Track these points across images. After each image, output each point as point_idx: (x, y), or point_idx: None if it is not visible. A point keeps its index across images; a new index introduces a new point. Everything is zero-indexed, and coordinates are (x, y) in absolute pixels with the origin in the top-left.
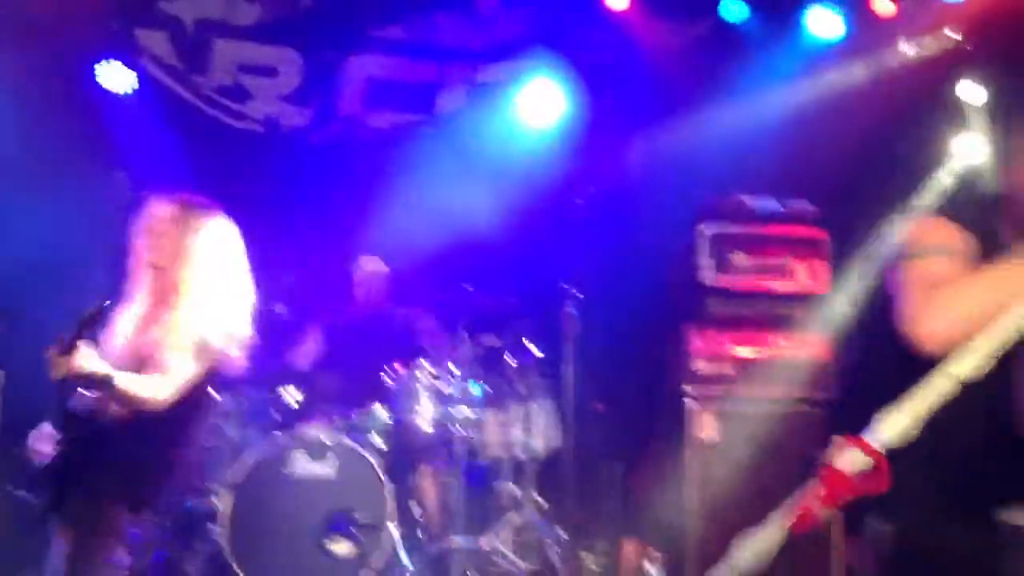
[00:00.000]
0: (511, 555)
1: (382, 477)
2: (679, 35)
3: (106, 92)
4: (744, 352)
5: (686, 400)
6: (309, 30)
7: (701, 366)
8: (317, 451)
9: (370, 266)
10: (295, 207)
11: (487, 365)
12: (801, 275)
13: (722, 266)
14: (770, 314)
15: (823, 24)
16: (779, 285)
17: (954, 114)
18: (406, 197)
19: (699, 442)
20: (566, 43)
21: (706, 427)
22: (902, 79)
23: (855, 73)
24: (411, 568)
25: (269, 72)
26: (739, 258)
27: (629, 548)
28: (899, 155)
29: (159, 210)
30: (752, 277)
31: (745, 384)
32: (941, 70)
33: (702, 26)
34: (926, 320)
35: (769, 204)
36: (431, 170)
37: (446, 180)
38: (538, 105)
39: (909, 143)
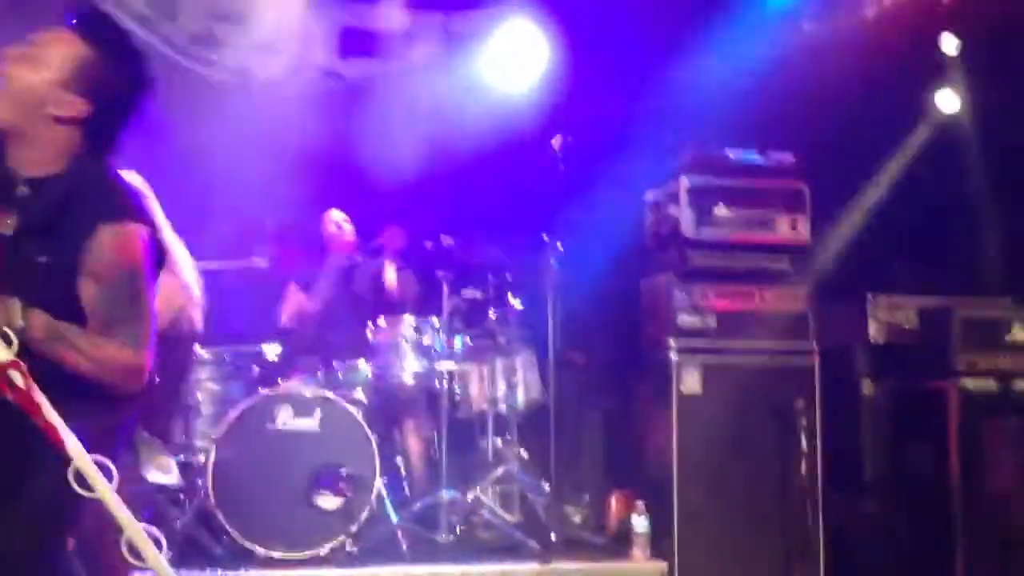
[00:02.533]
0: (496, 507)
1: (367, 431)
2: None
3: None
4: (726, 304)
5: (669, 353)
6: None
7: (684, 319)
8: (302, 406)
9: (335, 218)
10: (271, 159)
11: (469, 318)
12: (783, 227)
13: (703, 219)
14: (752, 266)
15: None
16: (761, 237)
17: (934, 66)
18: (381, 148)
19: (682, 395)
20: None
21: (689, 380)
22: (883, 30)
23: (837, 24)
24: (397, 521)
25: (239, 19)
26: (720, 210)
27: (615, 500)
28: (880, 106)
29: None
30: (734, 230)
31: (728, 336)
32: (922, 20)
33: None
34: None
35: (750, 156)
36: (406, 120)
37: (422, 130)
38: (514, 54)
39: (890, 94)
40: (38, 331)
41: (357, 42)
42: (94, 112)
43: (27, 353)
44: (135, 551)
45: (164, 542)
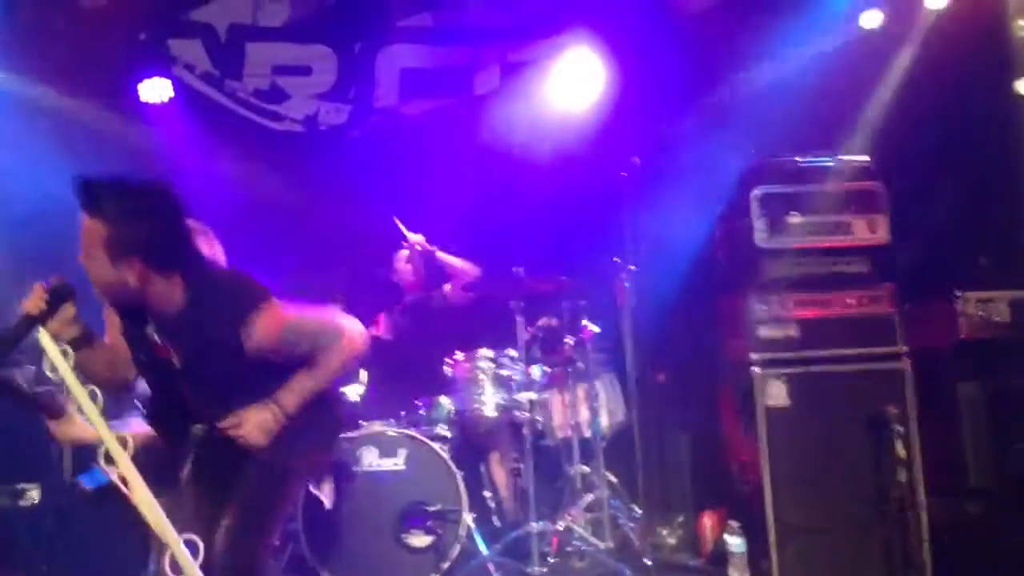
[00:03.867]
0: (587, 535)
1: (452, 467)
2: None
3: (145, 105)
4: (808, 313)
5: (752, 367)
6: (338, 25)
7: (764, 332)
8: (386, 446)
9: (404, 258)
10: (340, 203)
11: (546, 346)
12: (859, 229)
13: (776, 227)
14: (831, 271)
15: None
16: (837, 242)
17: (1012, 55)
18: (446, 183)
19: (768, 408)
20: (597, 15)
21: (775, 393)
22: (956, 21)
23: (905, 16)
24: (488, 555)
25: (303, 71)
26: (794, 218)
27: (707, 520)
28: (955, 99)
29: None
30: (808, 236)
31: (812, 346)
32: (994, 7)
33: None
34: None
35: (820, 160)
36: (470, 154)
37: (486, 163)
38: (573, 79)
39: (965, 85)
40: (293, 407)
41: (418, 81)
42: (148, 256)
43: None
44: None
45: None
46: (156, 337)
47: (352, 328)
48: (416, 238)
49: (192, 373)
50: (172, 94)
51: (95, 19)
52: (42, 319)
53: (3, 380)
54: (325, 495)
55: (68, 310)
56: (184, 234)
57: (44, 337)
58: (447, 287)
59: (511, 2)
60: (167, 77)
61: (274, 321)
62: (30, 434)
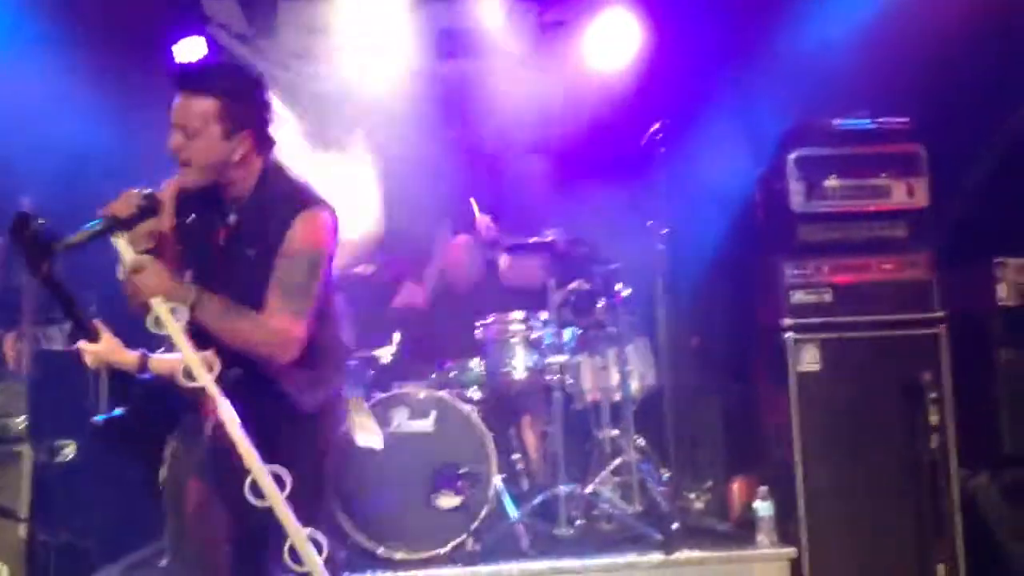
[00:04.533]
0: (616, 499)
1: (483, 429)
2: None
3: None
4: (843, 278)
5: (786, 333)
6: None
7: (798, 296)
8: (417, 407)
9: (463, 244)
10: (373, 164)
11: (577, 310)
12: (898, 193)
13: (814, 191)
14: (868, 236)
15: None
16: (875, 205)
17: None
18: (481, 145)
19: (800, 373)
20: None
21: (808, 359)
22: None
23: None
24: (516, 517)
25: (336, 31)
26: (831, 181)
27: (737, 485)
28: (998, 57)
29: None
30: (846, 200)
31: (846, 311)
32: None
33: None
34: None
35: (860, 123)
36: (505, 115)
37: (521, 124)
38: (609, 41)
39: (1008, 44)
40: (210, 313)
41: (454, 42)
42: (254, 133)
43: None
44: (295, 554)
45: (325, 544)
46: (234, 222)
47: (292, 337)
48: (484, 220)
49: (242, 271)
50: (205, 52)
51: None
52: (127, 224)
53: (63, 288)
54: (372, 439)
55: (150, 224)
56: (273, 118)
57: (122, 242)
58: (503, 261)
59: None
60: (201, 35)
61: (317, 236)
62: (67, 391)
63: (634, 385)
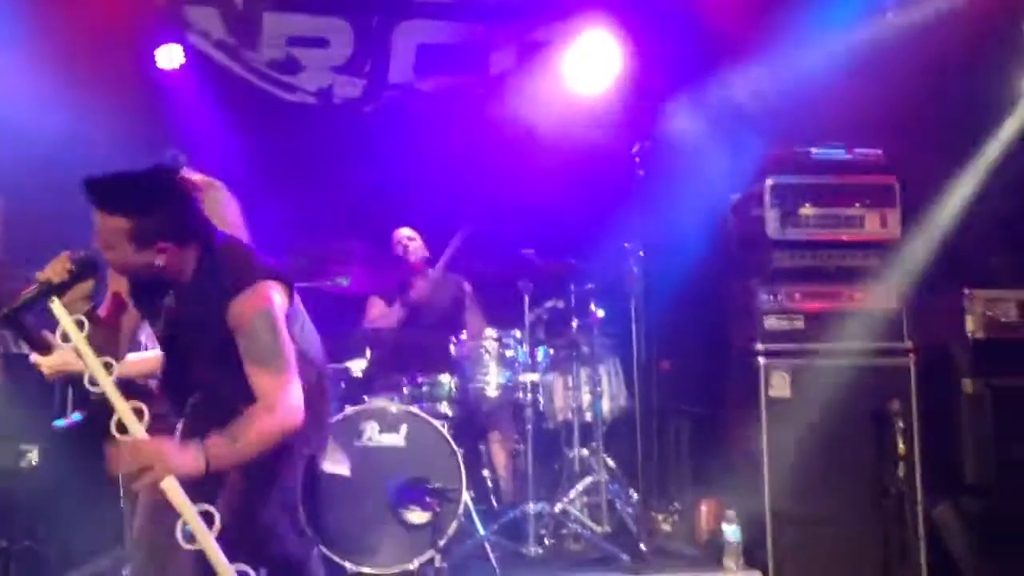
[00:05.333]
0: (585, 518)
1: (453, 445)
2: None
3: (158, 70)
4: (815, 305)
5: (757, 357)
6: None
7: (771, 322)
8: (387, 421)
9: (402, 236)
10: (350, 178)
11: (551, 329)
12: (871, 223)
13: (788, 219)
14: (841, 265)
15: None
16: (849, 235)
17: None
18: (459, 161)
19: (771, 399)
20: None
21: (778, 384)
22: (967, 17)
23: (917, 12)
24: (485, 535)
25: (320, 43)
26: (806, 210)
27: (704, 508)
28: (967, 95)
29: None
30: (820, 228)
31: (817, 338)
32: (1008, 5)
33: None
34: None
35: (836, 153)
36: (483, 132)
37: (499, 142)
38: (590, 61)
39: (980, 81)
40: (224, 455)
41: (434, 58)
42: (174, 238)
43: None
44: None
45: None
46: (173, 305)
47: (291, 404)
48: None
49: (179, 351)
50: (183, 60)
51: None
52: (60, 290)
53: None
54: (339, 467)
55: (87, 285)
56: (197, 208)
57: (58, 307)
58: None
59: None
60: (181, 43)
61: (256, 301)
62: (32, 395)
63: (605, 405)
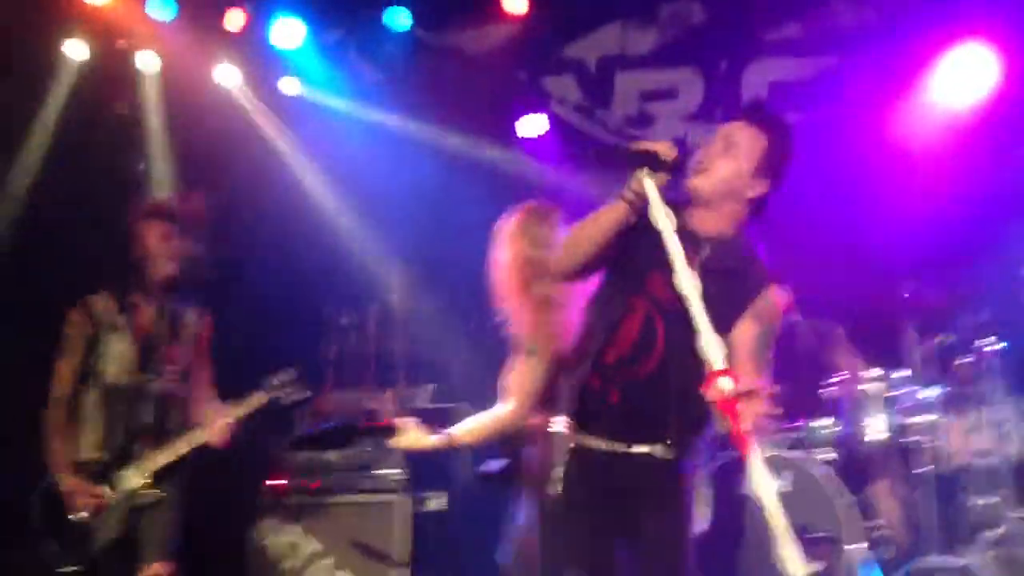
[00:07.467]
0: (997, 574)
1: (837, 491)
2: None
3: (521, 139)
4: None
5: None
6: (705, 46)
7: None
8: (771, 467)
9: None
10: None
11: (941, 366)
12: None
13: None
14: None
15: None
16: None
17: None
18: (825, 193)
19: None
20: (984, 8)
21: None
22: None
23: None
24: None
25: (670, 95)
26: None
27: None
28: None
29: None
30: None
31: None
32: None
33: None
34: None
35: None
36: (847, 162)
37: (866, 170)
38: (960, 76)
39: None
40: None
41: (788, 94)
42: (769, 189)
43: None
44: None
45: None
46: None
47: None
48: None
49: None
50: (547, 128)
51: (479, 63)
52: (669, 167)
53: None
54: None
55: (662, 179)
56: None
57: (649, 182)
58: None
59: (883, 2)
60: (543, 112)
61: (781, 309)
62: None
63: (1011, 449)
